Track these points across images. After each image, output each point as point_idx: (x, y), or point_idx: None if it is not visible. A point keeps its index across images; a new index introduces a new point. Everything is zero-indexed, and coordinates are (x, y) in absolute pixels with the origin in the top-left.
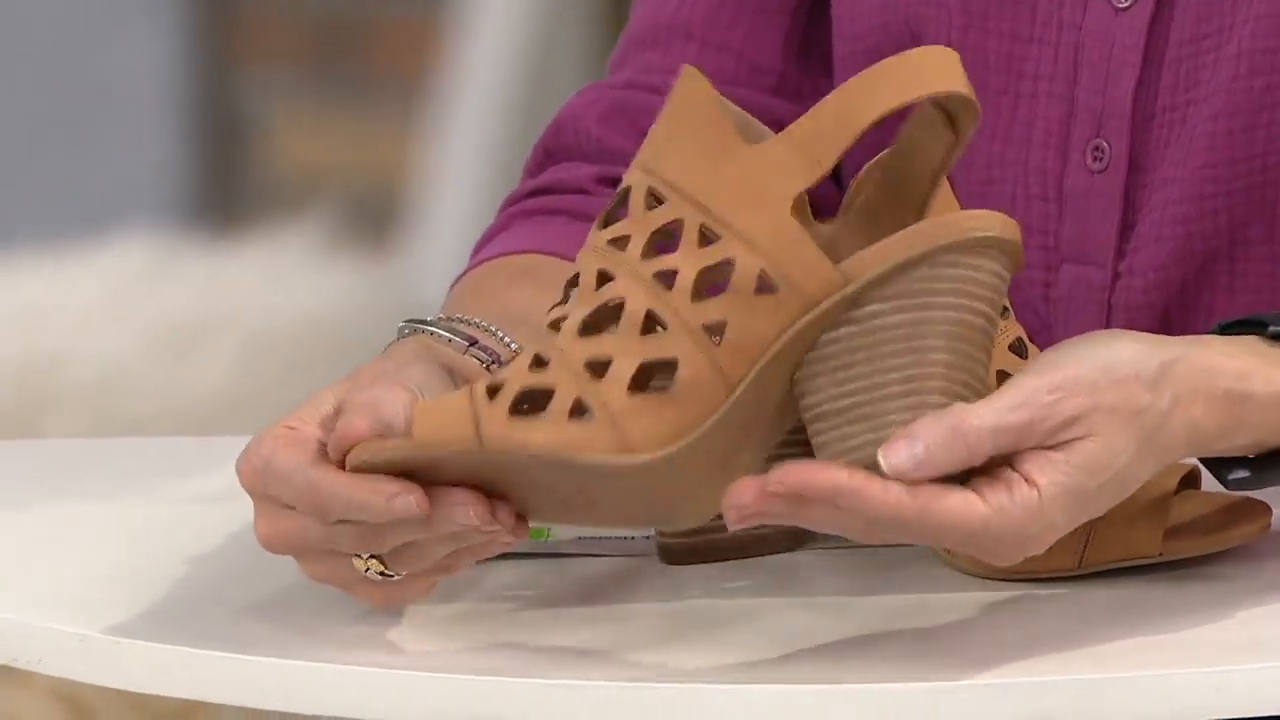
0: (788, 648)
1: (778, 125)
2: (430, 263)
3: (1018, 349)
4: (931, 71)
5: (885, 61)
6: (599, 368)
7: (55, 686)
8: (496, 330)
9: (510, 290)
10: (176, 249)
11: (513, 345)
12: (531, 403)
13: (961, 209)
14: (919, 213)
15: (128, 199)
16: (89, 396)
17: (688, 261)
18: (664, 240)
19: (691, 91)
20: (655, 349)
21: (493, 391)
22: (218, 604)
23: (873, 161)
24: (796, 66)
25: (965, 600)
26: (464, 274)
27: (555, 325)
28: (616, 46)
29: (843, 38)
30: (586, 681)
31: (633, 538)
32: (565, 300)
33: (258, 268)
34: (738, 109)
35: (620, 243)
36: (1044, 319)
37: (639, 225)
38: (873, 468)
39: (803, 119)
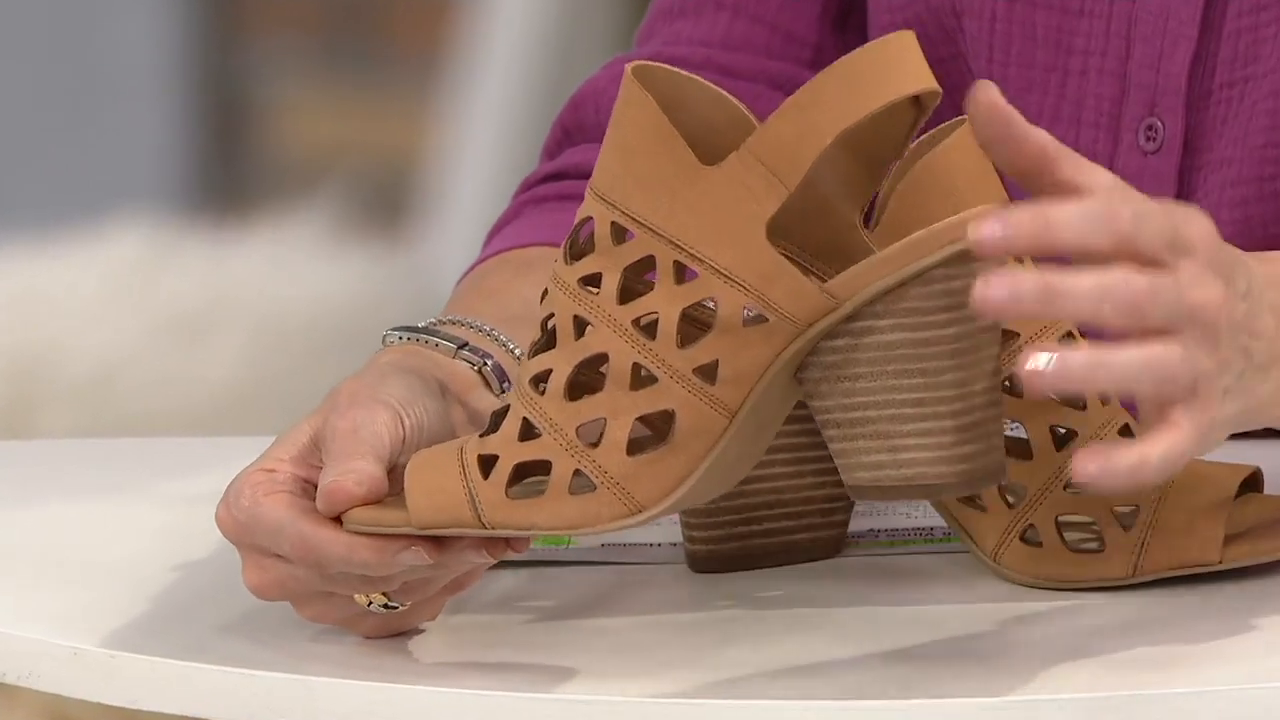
0: (823, 660)
1: None
2: (446, 249)
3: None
4: (896, 73)
5: (842, 63)
6: (593, 434)
7: (47, 702)
8: (492, 330)
9: (513, 288)
10: (179, 236)
11: (510, 346)
12: (528, 472)
13: (1007, 190)
14: (885, 198)
15: (127, 183)
16: (86, 392)
17: (668, 304)
18: (637, 272)
19: (636, 110)
20: (648, 402)
21: (485, 465)
22: (216, 615)
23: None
24: (833, 38)
25: (1011, 610)
26: (470, 269)
27: (538, 383)
28: (645, 18)
29: (881, 8)
30: (609, 697)
31: (659, 545)
32: (542, 340)
33: (265, 255)
34: (696, 86)
35: (592, 282)
36: None
37: (609, 261)
38: (896, 490)
39: (761, 131)
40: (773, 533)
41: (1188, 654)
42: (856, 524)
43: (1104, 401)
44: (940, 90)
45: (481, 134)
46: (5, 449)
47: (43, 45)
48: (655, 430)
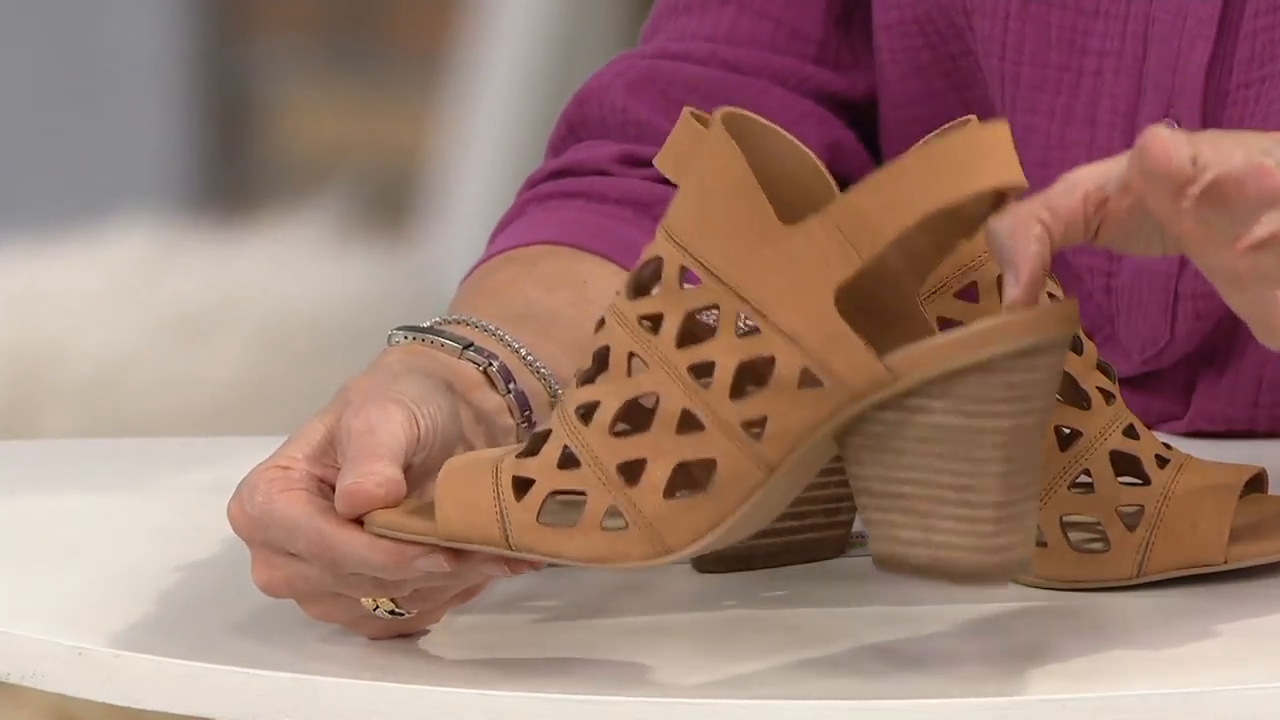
0: (827, 660)
1: (819, 94)
2: (451, 248)
3: (1073, 346)
4: (986, 163)
5: (935, 145)
6: (632, 472)
7: (51, 702)
8: (497, 330)
9: (516, 286)
10: (182, 235)
11: (515, 345)
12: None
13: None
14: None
15: (130, 182)
16: (89, 392)
17: (726, 354)
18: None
19: (724, 160)
20: (692, 449)
21: (519, 487)
22: (221, 614)
23: None
24: (837, 34)
25: (1017, 610)
26: (475, 267)
27: (584, 413)
28: (650, 15)
29: (889, 4)
30: (614, 697)
31: None
32: (591, 370)
33: (268, 255)
34: (774, 136)
35: (653, 323)
36: (1106, 311)
37: (673, 305)
38: (923, 570)
39: (844, 199)
40: (777, 533)
41: (1192, 654)
42: (860, 524)
43: (1108, 401)
44: (1026, 185)
45: (485, 133)
46: (7, 449)
47: (45, 44)
48: (688, 473)
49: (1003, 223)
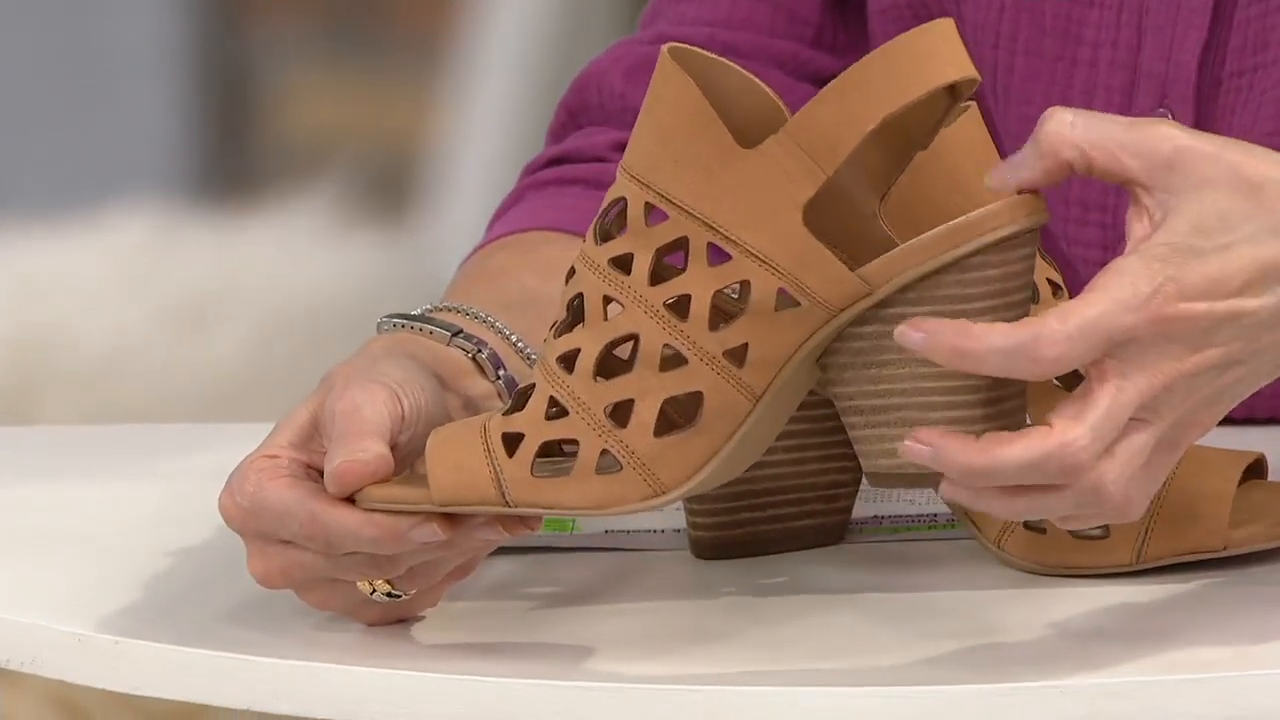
0: (828, 648)
1: (817, 77)
2: (451, 234)
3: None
4: (937, 60)
5: (883, 50)
6: (620, 414)
7: (51, 689)
8: (488, 317)
9: (512, 273)
10: (183, 221)
11: (507, 333)
12: (546, 453)
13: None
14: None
15: (131, 168)
16: (90, 378)
17: (700, 285)
18: (669, 253)
19: (675, 91)
20: (677, 384)
21: (510, 443)
22: (220, 601)
23: None
24: (834, 17)
25: (1016, 597)
26: (473, 253)
27: (566, 362)
28: (648, 1)
29: None
30: (611, 683)
31: (663, 531)
32: (567, 319)
33: (269, 240)
34: (728, 72)
35: (623, 263)
36: None
37: (641, 242)
38: (919, 477)
39: (801, 114)
40: (776, 519)
41: (1192, 640)
42: (860, 510)
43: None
44: (979, 78)
45: (485, 118)
46: (8, 435)
47: (47, 30)
48: (671, 418)
49: (1052, 122)
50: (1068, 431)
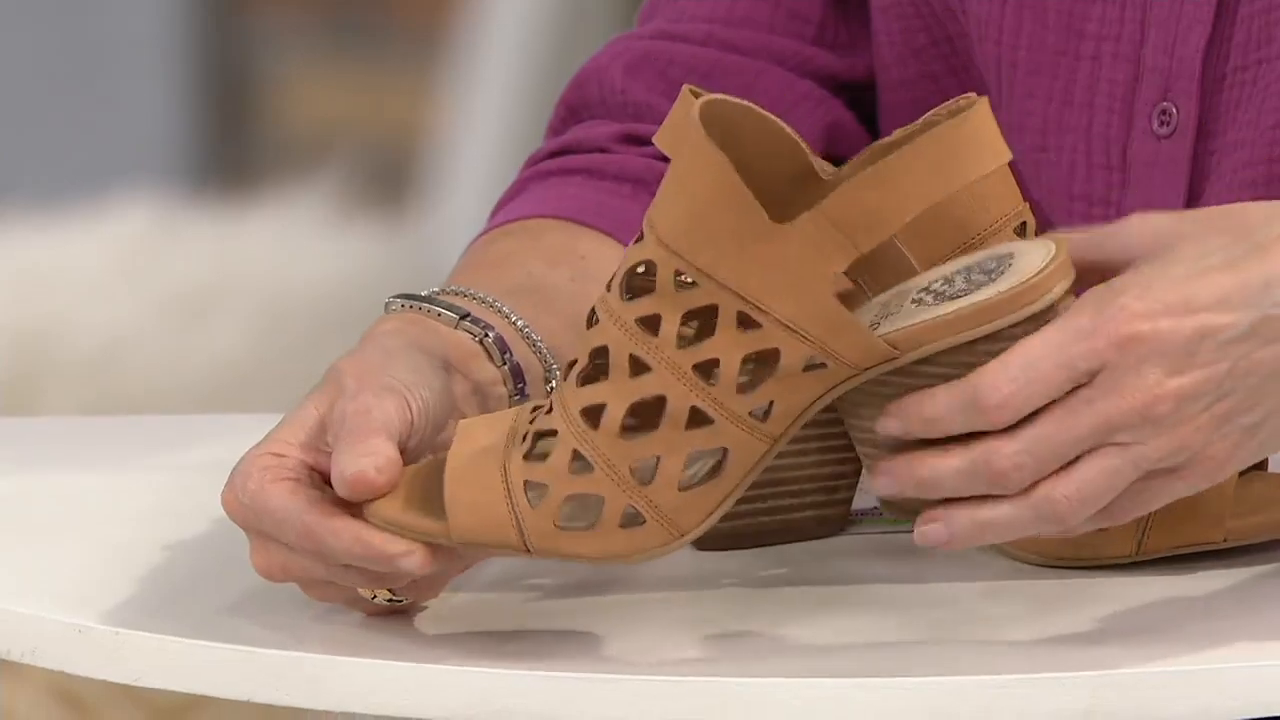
0: (829, 639)
1: (818, 75)
2: (451, 226)
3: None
4: (973, 147)
5: (926, 141)
6: (645, 472)
7: (52, 680)
8: (495, 302)
9: (516, 259)
10: (182, 212)
11: (513, 318)
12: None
13: (1015, 177)
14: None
15: (131, 159)
16: (90, 369)
17: (729, 351)
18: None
19: (707, 163)
20: (703, 441)
21: (532, 490)
22: (221, 592)
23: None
24: (836, 15)
25: (1015, 588)
26: (477, 238)
27: (590, 416)
28: None
29: None
30: (611, 675)
31: None
32: (590, 369)
33: (269, 232)
34: (755, 119)
35: (651, 324)
36: None
37: (669, 306)
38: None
39: (839, 195)
40: (776, 510)
41: (1191, 632)
42: (860, 502)
43: None
44: (1012, 158)
45: (486, 110)
46: (8, 426)
47: (47, 21)
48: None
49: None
50: (998, 440)
